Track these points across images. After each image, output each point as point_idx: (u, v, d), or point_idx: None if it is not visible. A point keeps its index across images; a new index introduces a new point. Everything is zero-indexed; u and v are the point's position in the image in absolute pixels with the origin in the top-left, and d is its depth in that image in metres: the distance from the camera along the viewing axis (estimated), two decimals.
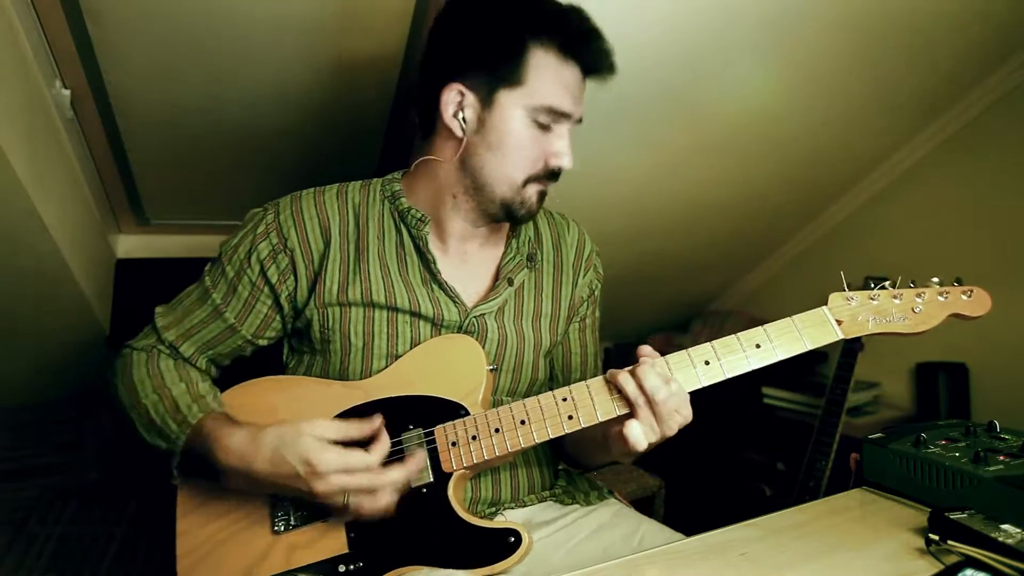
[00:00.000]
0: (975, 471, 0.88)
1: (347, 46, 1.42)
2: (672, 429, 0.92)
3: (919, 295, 0.95)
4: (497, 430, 0.96)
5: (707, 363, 0.93)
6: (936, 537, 0.79)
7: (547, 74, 1.00)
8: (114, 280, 1.93)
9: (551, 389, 0.98)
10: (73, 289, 1.62)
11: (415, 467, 0.93)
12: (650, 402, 0.90)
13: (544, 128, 1.02)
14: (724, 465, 2.37)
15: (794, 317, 0.95)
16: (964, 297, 0.96)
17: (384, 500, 0.90)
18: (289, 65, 1.46)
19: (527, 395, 1.12)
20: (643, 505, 1.95)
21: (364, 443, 0.93)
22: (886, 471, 0.99)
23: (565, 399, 0.95)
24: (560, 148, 1.03)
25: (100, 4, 1.22)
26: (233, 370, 1.14)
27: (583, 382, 0.96)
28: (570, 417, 0.94)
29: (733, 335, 0.94)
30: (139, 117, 1.52)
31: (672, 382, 0.91)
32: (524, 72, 0.99)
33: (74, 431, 2.16)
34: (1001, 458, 0.91)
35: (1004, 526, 0.77)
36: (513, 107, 1.00)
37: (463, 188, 1.07)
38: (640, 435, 0.90)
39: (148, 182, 1.76)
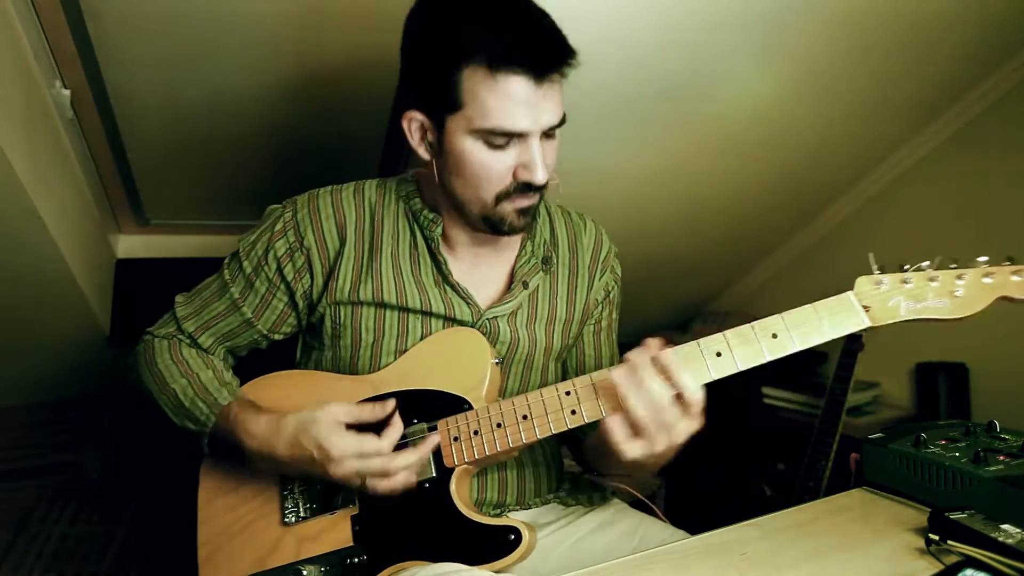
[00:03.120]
0: (975, 471, 0.88)
1: (349, 44, 1.42)
2: (666, 443, 0.85)
3: (959, 277, 0.83)
4: (499, 425, 0.95)
5: (719, 355, 0.87)
6: (936, 537, 0.79)
7: (482, 94, 0.91)
8: (114, 280, 1.93)
9: None
10: (73, 289, 1.62)
11: (428, 448, 0.95)
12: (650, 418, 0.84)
13: (501, 147, 0.95)
14: (724, 465, 2.37)
15: (816, 304, 0.86)
16: (1015, 278, 0.82)
17: (399, 481, 0.92)
18: (289, 64, 1.46)
19: None
20: (643, 505, 1.95)
21: (378, 427, 0.95)
22: (886, 471, 0.99)
23: (568, 393, 0.93)
24: (527, 161, 0.95)
25: (100, 4, 1.22)
26: (248, 362, 1.18)
27: (587, 375, 0.93)
28: (573, 412, 0.92)
29: (747, 324, 0.87)
30: (139, 117, 1.52)
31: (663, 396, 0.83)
32: (459, 96, 0.93)
33: (74, 431, 2.16)
34: (1001, 458, 0.91)
35: (1004, 526, 0.77)
36: (459, 132, 0.95)
37: (449, 205, 1.06)
38: (625, 440, 0.85)
39: (148, 182, 1.76)
